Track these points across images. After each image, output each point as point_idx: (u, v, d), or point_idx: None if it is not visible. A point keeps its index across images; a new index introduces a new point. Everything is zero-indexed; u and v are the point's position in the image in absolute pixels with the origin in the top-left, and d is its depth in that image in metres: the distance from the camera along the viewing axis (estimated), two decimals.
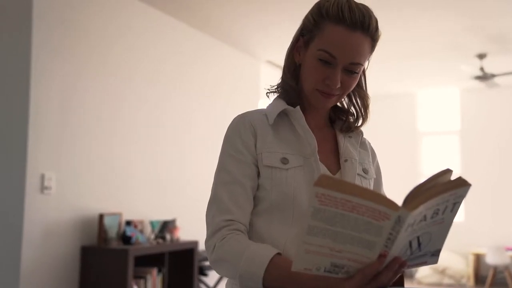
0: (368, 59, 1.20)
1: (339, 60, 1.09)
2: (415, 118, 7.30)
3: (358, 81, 1.23)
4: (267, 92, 1.29)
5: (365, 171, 1.22)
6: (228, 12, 4.05)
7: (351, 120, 1.27)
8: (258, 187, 1.15)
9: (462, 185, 0.84)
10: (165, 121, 4.03)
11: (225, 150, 1.19)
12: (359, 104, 1.26)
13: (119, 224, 3.38)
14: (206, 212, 1.15)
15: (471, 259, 6.63)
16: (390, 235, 0.83)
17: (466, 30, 4.52)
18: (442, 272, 6.71)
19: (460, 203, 0.87)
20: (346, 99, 1.27)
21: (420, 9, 4.02)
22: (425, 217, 0.85)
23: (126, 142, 3.65)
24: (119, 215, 3.39)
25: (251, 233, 1.14)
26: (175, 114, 4.14)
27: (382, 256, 0.85)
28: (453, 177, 0.88)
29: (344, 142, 1.23)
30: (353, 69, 1.11)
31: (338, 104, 1.28)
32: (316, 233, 0.82)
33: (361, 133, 1.29)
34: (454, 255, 6.70)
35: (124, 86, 3.65)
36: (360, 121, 1.26)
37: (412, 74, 6.32)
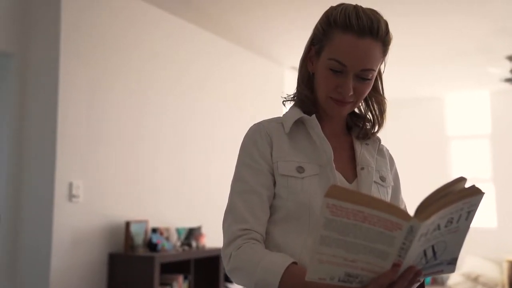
0: (384, 62, 1.20)
1: (350, 68, 1.09)
2: (444, 122, 7.17)
3: (375, 86, 1.23)
4: (283, 101, 1.29)
5: (382, 178, 1.21)
6: (251, 19, 4.07)
7: (368, 126, 1.25)
8: (274, 196, 1.15)
9: (475, 193, 0.83)
10: (190, 129, 4.07)
11: (241, 159, 1.19)
12: (376, 109, 1.24)
13: (146, 232, 3.42)
14: (223, 221, 1.16)
15: (505, 266, 6.45)
16: (403, 245, 0.82)
17: (495, 33, 4.43)
18: (475, 279, 6.54)
19: (474, 211, 0.86)
20: (363, 104, 1.26)
21: (447, 12, 3.96)
22: (438, 226, 0.84)
23: (151, 150, 3.70)
24: (145, 222, 3.43)
25: (268, 242, 1.14)
26: (200, 121, 4.18)
27: (396, 265, 0.84)
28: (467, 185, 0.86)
29: (361, 150, 1.22)
30: (365, 76, 1.10)
31: (356, 110, 1.27)
32: (328, 243, 0.82)
33: (378, 140, 1.28)
34: (488, 262, 6.54)
35: (149, 94, 3.71)
36: (377, 127, 1.25)
37: (440, 78, 6.22)
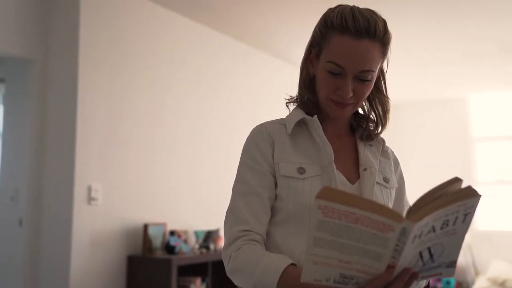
0: (387, 62, 1.19)
1: (348, 70, 1.08)
2: (468, 124, 7.05)
3: (378, 86, 1.22)
4: (287, 103, 1.30)
5: (386, 180, 1.20)
6: (268, 22, 4.08)
7: (371, 127, 1.24)
8: (276, 197, 1.15)
9: (471, 195, 0.81)
10: (208, 131, 4.10)
11: (243, 160, 1.20)
12: (380, 110, 1.24)
13: (164, 234, 3.45)
14: (224, 222, 1.17)
15: None
16: (397, 247, 0.81)
17: None
18: (502, 284, 6.40)
19: (472, 214, 0.84)
20: (367, 105, 1.26)
21: (471, 12, 3.89)
22: (433, 228, 0.83)
23: (169, 153, 3.73)
24: (163, 225, 3.46)
25: (269, 243, 1.14)
26: (217, 124, 4.20)
27: (390, 267, 0.83)
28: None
29: (365, 151, 1.21)
30: (364, 77, 1.10)
31: (360, 110, 1.27)
32: (322, 245, 0.82)
33: (382, 141, 1.27)
34: None
35: (166, 98, 3.75)
36: (380, 128, 1.24)
37: (463, 79, 6.12)
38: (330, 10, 1.13)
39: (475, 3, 3.73)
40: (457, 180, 0.85)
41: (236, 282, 1.10)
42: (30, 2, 3.21)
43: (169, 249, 3.38)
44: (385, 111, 1.23)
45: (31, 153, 3.19)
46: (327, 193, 0.78)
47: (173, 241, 3.39)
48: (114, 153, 3.31)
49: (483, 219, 6.75)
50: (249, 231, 1.11)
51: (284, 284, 0.98)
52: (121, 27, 3.43)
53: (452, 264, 0.90)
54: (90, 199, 3.13)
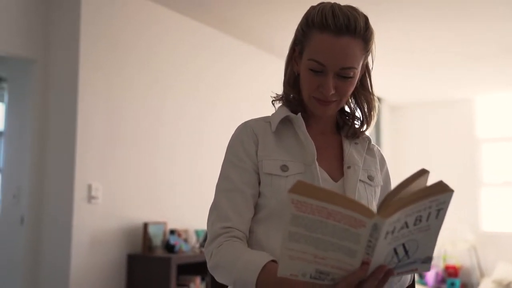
0: (372, 59, 1.19)
1: (329, 67, 1.09)
2: (474, 125, 7.00)
3: (363, 83, 1.22)
4: (273, 101, 1.30)
5: (370, 178, 1.20)
6: (270, 22, 4.08)
7: (357, 125, 1.24)
8: (259, 194, 1.16)
9: (443, 191, 0.81)
10: (209, 131, 4.10)
11: (227, 157, 1.21)
12: (365, 107, 1.23)
13: (164, 233, 3.46)
14: (207, 218, 1.17)
15: None
16: (369, 242, 0.81)
17: None
18: (507, 286, 6.34)
19: (445, 210, 0.84)
20: (353, 102, 1.25)
21: (476, 11, 3.87)
22: (406, 224, 0.82)
23: (169, 152, 3.74)
24: (163, 224, 3.48)
25: (252, 240, 1.14)
26: (218, 123, 4.20)
27: (365, 263, 0.83)
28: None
29: (349, 149, 1.21)
30: (346, 74, 1.10)
31: (347, 108, 1.27)
32: (297, 239, 0.82)
33: (368, 139, 1.26)
34: None
35: (166, 98, 3.76)
36: (365, 126, 1.24)
37: (469, 80, 6.08)
38: (312, 8, 1.13)
39: (481, 4, 3.71)
40: (424, 172, 0.84)
41: (217, 278, 1.10)
42: (32, 4, 3.24)
43: (169, 248, 3.39)
44: (370, 108, 1.23)
45: (33, 152, 3.22)
46: (300, 188, 0.79)
47: (173, 240, 3.41)
48: (115, 152, 3.33)
49: (488, 221, 6.70)
50: (230, 228, 1.11)
51: (264, 281, 0.98)
52: (122, 26, 3.45)
53: (427, 260, 0.90)
54: (90, 198, 3.15)
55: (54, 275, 3.09)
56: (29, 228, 3.17)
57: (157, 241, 3.40)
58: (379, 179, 1.23)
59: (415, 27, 4.21)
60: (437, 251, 6.68)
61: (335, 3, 1.11)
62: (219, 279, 1.10)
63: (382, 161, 1.30)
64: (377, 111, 1.24)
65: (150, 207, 3.53)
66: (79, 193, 3.09)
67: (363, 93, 1.23)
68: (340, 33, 1.07)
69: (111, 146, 3.31)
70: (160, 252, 3.37)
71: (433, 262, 6.65)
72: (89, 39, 3.21)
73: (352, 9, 1.10)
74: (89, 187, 3.15)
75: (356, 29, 1.07)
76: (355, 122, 1.25)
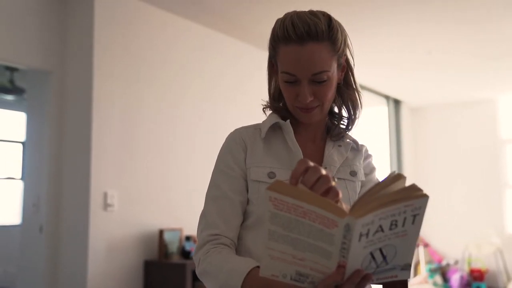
0: (351, 54, 1.19)
1: (300, 76, 1.10)
2: (497, 125, 6.86)
3: (347, 81, 1.22)
4: (263, 108, 1.31)
5: (352, 173, 1.21)
6: None
7: (343, 125, 1.25)
8: (248, 201, 1.17)
9: (417, 196, 0.80)
10: (223, 137, 4.09)
11: (216, 165, 1.23)
12: (350, 106, 1.24)
13: (180, 239, 3.50)
14: (197, 226, 1.19)
15: None
16: (343, 244, 0.81)
17: None
18: None
19: (421, 215, 0.83)
20: (340, 102, 1.25)
21: (496, 11, 3.80)
22: (381, 228, 0.82)
23: (184, 159, 3.78)
24: (179, 230, 3.51)
25: (240, 247, 1.16)
26: (233, 129, 4.22)
27: (341, 266, 0.84)
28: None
29: (331, 151, 1.21)
30: (319, 79, 1.10)
31: (336, 109, 1.27)
32: (276, 239, 0.83)
33: (352, 142, 1.25)
34: None
35: (180, 105, 3.80)
36: (350, 125, 1.24)
37: (492, 80, 5.96)
38: (276, 22, 1.15)
39: (501, 3, 3.64)
40: (400, 177, 0.84)
41: (206, 285, 1.12)
42: (48, 19, 3.33)
43: (185, 254, 3.43)
44: (355, 106, 1.23)
45: (51, 161, 3.30)
46: (278, 186, 0.80)
47: (188, 246, 3.44)
48: (130, 160, 3.38)
49: None
50: (218, 235, 1.13)
51: (248, 286, 1.00)
52: (134, 37, 3.51)
53: (406, 266, 0.89)
54: (106, 206, 3.21)
55: (72, 282, 3.16)
56: (48, 236, 3.24)
57: (173, 247, 3.44)
58: (361, 173, 1.23)
59: (435, 29, 4.16)
60: (461, 254, 6.56)
61: (295, 13, 1.12)
62: (207, 285, 1.11)
63: (367, 155, 1.29)
64: (361, 108, 1.23)
65: (165, 213, 3.58)
66: (95, 201, 3.15)
67: (347, 92, 1.23)
68: (303, 41, 1.07)
69: (126, 154, 3.37)
70: (176, 258, 3.40)
71: (458, 265, 6.52)
72: (102, 50, 3.28)
73: (312, 15, 1.10)
74: (105, 195, 3.21)
75: (318, 34, 1.07)
76: (342, 122, 1.25)
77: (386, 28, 4.13)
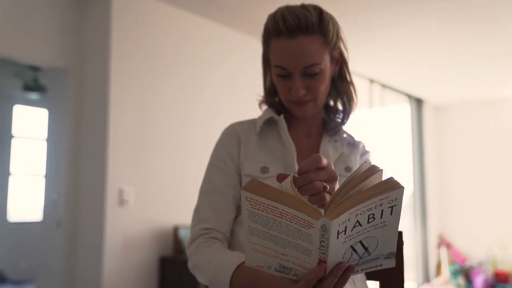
0: (344, 47, 1.18)
1: (292, 70, 1.09)
2: None
3: (342, 74, 1.21)
4: (259, 103, 1.31)
5: (348, 169, 1.20)
6: None
7: (339, 119, 1.24)
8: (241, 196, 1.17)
9: (392, 188, 0.79)
10: None
11: (211, 160, 1.23)
12: (345, 99, 1.23)
13: None
14: (191, 220, 1.20)
15: None
16: (322, 242, 0.81)
17: None
18: None
19: (399, 206, 0.82)
20: (336, 94, 1.24)
21: None
22: (359, 223, 0.81)
23: (199, 156, 3.80)
24: None
25: (234, 241, 1.16)
26: None
27: (322, 262, 0.83)
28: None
29: (326, 145, 1.20)
30: (311, 72, 1.10)
31: (331, 103, 1.26)
32: (257, 235, 0.83)
33: (349, 137, 1.24)
34: None
35: (196, 102, 3.83)
36: (345, 119, 1.23)
37: None
38: (268, 17, 1.15)
39: None
40: (377, 170, 0.83)
41: (197, 278, 1.13)
42: (67, 19, 3.39)
43: None
44: (350, 99, 1.22)
45: (69, 158, 3.36)
46: (253, 186, 0.80)
47: None
48: (145, 157, 3.42)
49: None
50: (210, 229, 1.13)
51: (237, 281, 1.00)
52: (150, 35, 3.55)
53: (391, 255, 0.88)
54: (122, 202, 3.25)
55: (89, 277, 3.21)
56: (66, 231, 3.31)
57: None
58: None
59: (455, 29, 4.09)
60: (485, 256, 6.42)
61: (285, 7, 1.12)
62: (199, 279, 1.12)
63: (363, 151, 1.28)
64: (356, 101, 1.22)
65: (180, 210, 3.60)
66: (111, 197, 3.19)
67: (342, 85, 1.22)
68: (294, 34, 1.07)
69: (142, 151, 3.40)
70: None
71: (482, 267, 6.39)
72: (119, 49, 3.33)
73: (302, 8, 1.10)
74: (121, 191, 3.25)
75: (308, 26, 1.07)
76: (338, 116, 1.24)
77: (406, 25, 4.07)
